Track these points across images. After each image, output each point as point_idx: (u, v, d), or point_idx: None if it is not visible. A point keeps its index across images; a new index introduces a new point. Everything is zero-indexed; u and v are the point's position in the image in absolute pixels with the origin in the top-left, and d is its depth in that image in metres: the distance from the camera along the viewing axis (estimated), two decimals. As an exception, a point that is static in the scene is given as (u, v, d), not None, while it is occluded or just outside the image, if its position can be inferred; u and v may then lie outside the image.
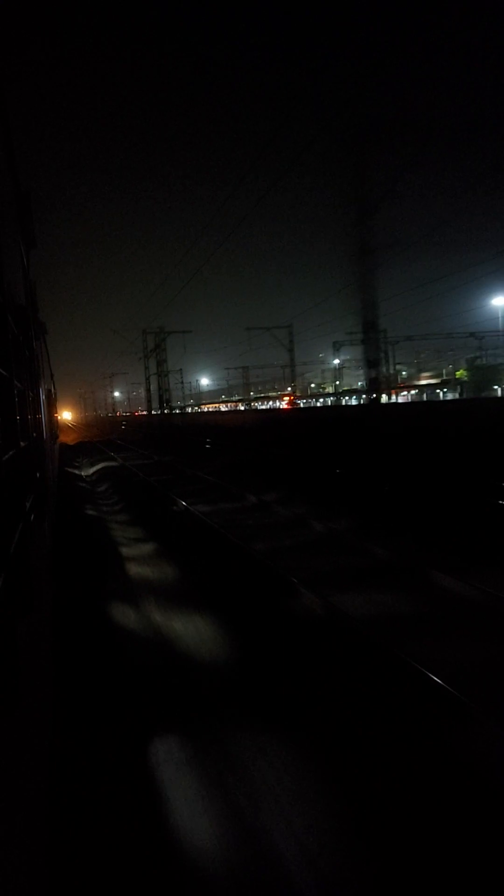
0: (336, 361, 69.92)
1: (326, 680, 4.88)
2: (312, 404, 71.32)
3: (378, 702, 4.44)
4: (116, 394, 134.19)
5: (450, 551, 8.58)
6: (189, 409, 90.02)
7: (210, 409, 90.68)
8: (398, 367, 75.23)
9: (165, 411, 65.96)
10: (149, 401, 71.07)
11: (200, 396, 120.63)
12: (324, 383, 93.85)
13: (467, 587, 6.66)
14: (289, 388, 74.57)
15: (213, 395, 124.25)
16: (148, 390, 69.83)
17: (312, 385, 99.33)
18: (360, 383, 69.98)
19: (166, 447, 35.13)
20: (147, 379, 68.37)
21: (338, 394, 69.70)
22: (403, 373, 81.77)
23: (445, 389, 60.25)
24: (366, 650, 5.24)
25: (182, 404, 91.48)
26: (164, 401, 66.68)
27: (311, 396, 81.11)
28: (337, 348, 64.38)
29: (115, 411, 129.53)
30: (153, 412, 68.16)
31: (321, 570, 8.03)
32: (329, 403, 67.62)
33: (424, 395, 62.00)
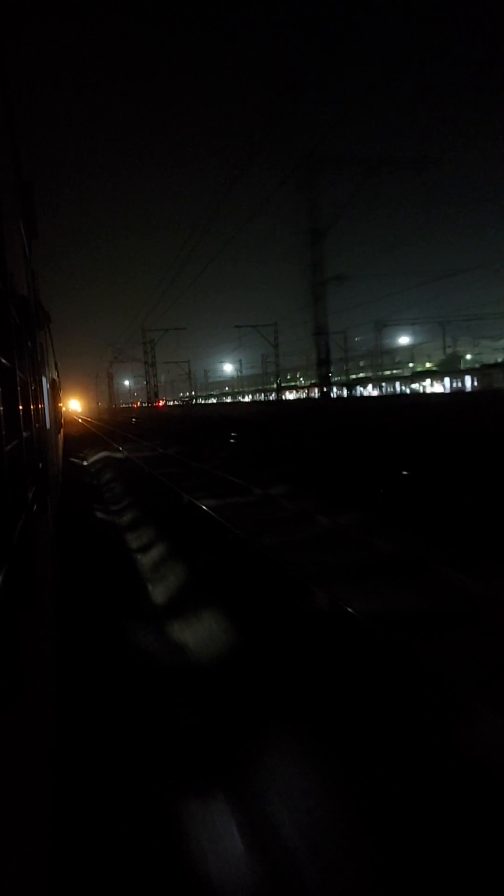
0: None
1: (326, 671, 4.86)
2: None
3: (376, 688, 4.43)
4: (126, 382, 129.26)
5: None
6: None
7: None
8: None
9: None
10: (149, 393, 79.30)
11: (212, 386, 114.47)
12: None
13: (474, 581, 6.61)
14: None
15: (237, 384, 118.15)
16: (150, 384, 78.46)
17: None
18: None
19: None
20: (147, 372, 77.77)
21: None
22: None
23: None
24: (368, 644, 5.22)
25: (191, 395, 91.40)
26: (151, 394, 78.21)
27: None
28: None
29: (129, 401, 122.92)
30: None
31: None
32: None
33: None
